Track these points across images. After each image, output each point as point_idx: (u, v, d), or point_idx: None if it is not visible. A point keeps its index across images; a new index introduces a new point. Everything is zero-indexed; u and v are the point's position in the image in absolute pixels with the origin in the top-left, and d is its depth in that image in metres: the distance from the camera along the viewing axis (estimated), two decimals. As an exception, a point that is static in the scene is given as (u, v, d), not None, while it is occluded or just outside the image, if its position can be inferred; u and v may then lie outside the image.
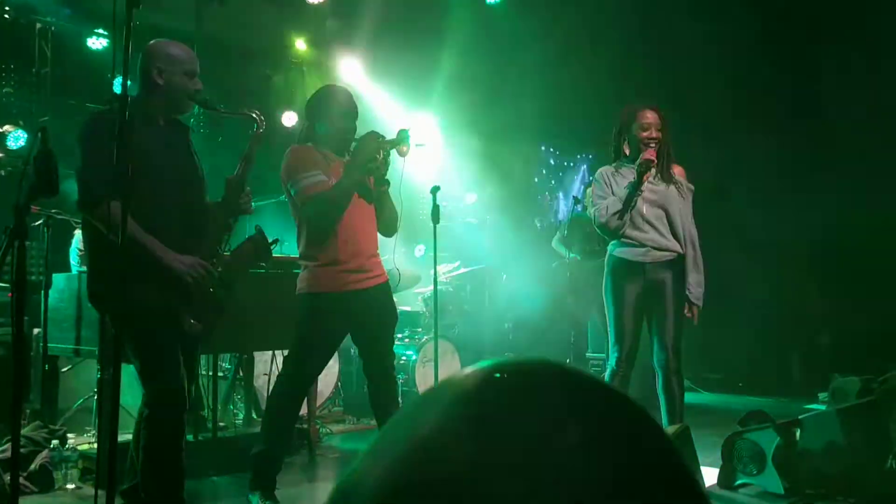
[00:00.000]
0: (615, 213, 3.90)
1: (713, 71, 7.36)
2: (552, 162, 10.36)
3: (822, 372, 6.60)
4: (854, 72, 6.66)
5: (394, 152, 3.60)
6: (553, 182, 10.30)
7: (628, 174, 3.97)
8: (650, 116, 3.96)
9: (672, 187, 4.01)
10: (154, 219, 2.83)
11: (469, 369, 0.50)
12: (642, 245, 3.97)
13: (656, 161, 3.88)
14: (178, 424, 2.94)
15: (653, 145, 3.90)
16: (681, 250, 3.99)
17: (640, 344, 4.12)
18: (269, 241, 3.21)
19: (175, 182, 2.99)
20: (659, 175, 3.99)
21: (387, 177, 3.58)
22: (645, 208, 3.96)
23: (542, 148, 10.23)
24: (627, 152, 4.03)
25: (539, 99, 8.51)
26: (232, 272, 3.04)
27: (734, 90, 7.21)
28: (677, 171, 4.05)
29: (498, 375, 0.48)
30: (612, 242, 4.13)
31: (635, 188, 3.89)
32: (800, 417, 3.72)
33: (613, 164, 4.10)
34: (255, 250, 3.16)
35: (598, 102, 8.26)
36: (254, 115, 3.17)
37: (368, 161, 3.47)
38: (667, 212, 3.98)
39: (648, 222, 3.97)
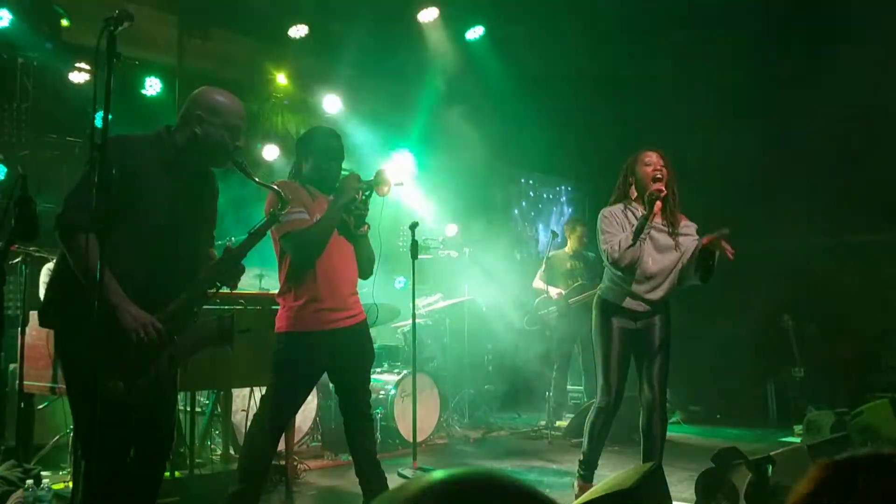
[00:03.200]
0: (629, 248, 3.95)
1: (687, 104, 7.51)
2: (531, 194, 10.46)
3: (798, 404, 6.69)
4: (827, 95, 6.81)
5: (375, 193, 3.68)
6: (533, 214, 10.39)
7: (635, 212, 4.08)
8: (652, 155, 4.10)
9: (673, 238, 4.09)
10: (133, 261, 2.65)
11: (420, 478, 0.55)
12: (637, 296, 4.07)
13: (665, 191, 3.97)
14: (113, 494, 2.62)
15: (659, 176, 4.00)
16: (668, 298, 4.11)
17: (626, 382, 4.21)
18: (239, 330, 2.89)
19: (171, 229, 2.79)
20: (665, 220, 4.07)
21: (367, 219, 3.65)
22: (649, 261, 4.02)
23: (522, 181, 10.33)
24: (634, 195, 4.14)
25: (519, 132, 8.63)
26: (187, 348, 2.76)
27: (704, 128, 7.35)
28: (681, 219, 4.13)
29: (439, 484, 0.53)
30: (604, 287, 4.22)
31: (647, 220, 3.95)
32: (771, 454, 3.77)
33: (620, 205, 4.16)
34: (220, 332, 2.83)
35: (577, 135, 8.40)
36: (283, 194, 3.02)
37: (349, 202, 3.54)
38: (666, 263, 4.07)
39: (649, 275, 4.05)
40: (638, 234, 3.94)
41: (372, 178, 3.68)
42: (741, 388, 7.45)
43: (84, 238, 2.36)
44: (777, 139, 7.27)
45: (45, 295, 2.76)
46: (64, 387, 3.87)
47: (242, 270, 2.95)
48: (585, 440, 4.25)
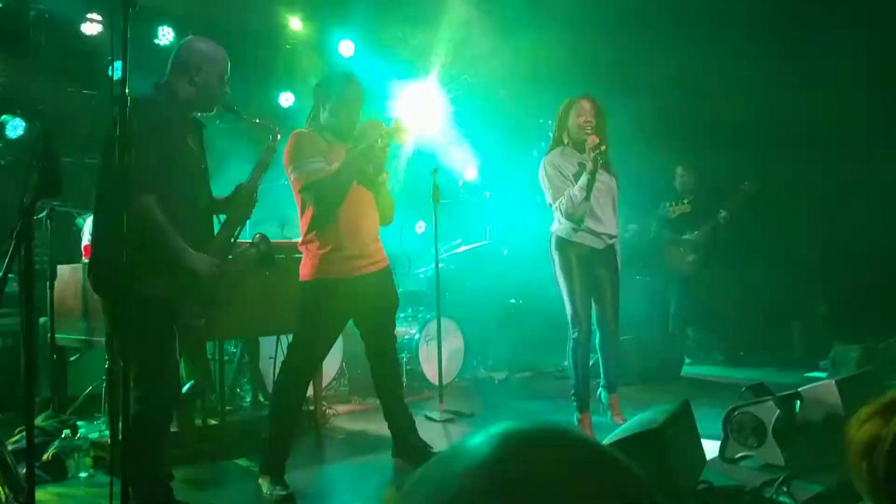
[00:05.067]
0: (581, 203, 4.28)
1: (715, 43, 7.31)
2: (551, 134, 10.32)
3: (823, 340, 6.65)
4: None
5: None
6: (552, 155, 10.27)
7: (572, 158, 4.41)
8: (585, 104, 4.39)
9: (610, 176, 4.50)
10: (177, 213, 2.89)
11: (484, 435, 0.54)
12: (598, 235, 4.44)
13: (605, 146, 4.23)
14: (165, 426, 3.05)
15: (589, 129, 4.29)
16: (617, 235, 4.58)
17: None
18: (273, 247, 3.31)
19: (194, 179, 3.07)
20: (602, 160, 4.36)
21: (385, 166, 3.63)
22: (598, 200, 4.39)
23: (541, 121, 10.18)
24: (566, 140, 4.47)
25: (538, 71, 8.47)
26: (236, 275, 3.13)
27: (728, 69, 7.17)
28: None
29: (513, 442, 0.52)
30: (559, 226, 4.48)
31: (593, 174, 4.25)
32: (799, 390, 3.77)
33: (558, 150, 4.49)
34: (259, 256, 3.24)
35: (599, 74, 8.22)
36: (272, 127, 3.28)
37: (367, 149, 3.51)
38: (611, 201, 4.49)
39: (601, 213, 4.43)
40: (589, 189, 4.26)
41: (391, 126, 3.63)
42: (765, 326, 7.41)
43: (146, 199, 2.63)
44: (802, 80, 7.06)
45: (99, 252, 2.99)
46: (99, 339, 3.97)
47: (255, 201, 3.26)
48: (572, 375, 4.54)
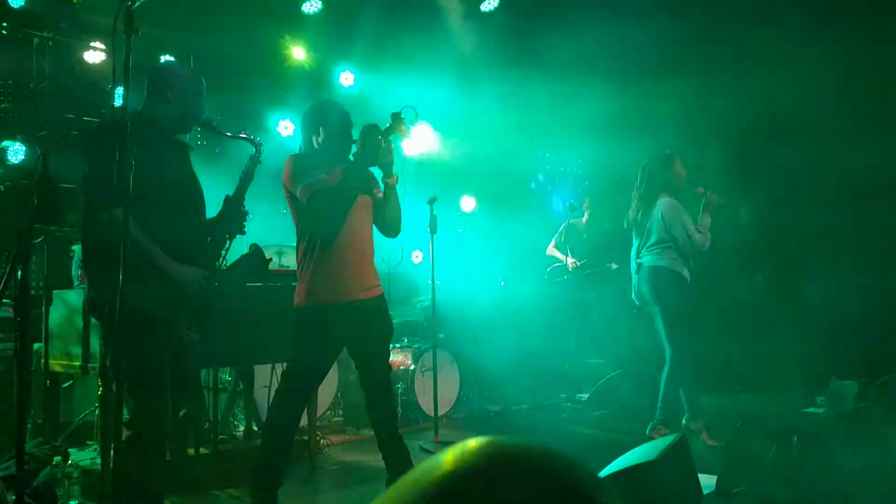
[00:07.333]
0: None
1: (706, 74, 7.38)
2: (548, 167, 10.38)
3: (819, 374, 6.61)
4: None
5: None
6: (550, 188, 10.32)
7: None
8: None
9: None
10: (157, 231, 2.85)
11: (449, 450, 0.54)
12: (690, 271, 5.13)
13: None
14: (157, 444, 2.96)
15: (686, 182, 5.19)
16: None
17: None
18: (266, 258, 3.29)
19: (179, 197, 3.04)
20: None
21: (394, 170, 3.63)
22: None
23: (538, 153, 10.25)
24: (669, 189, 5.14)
25: (534, 104, 8.54)
26: (227, 285, 3.11)
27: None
28: None
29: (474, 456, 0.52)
30: (678, 262, 5.02)
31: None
32: (796, 424, 3.75)
33: (670, 198, 5.08)
34: (251, 267, 3.26)
35: (592, 107, 8.29)
36: (252, 139, 3.27)
37: (372, 150, 3.50)
38: None
39: None
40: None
41: (389, 123, 3.63)
42: (762, 359, 7.38)
43: (113, 213, 2.50)
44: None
45: (92, 276, 2.94)
46: (95, 365, 3.94)
47: (246, 215, 3.25)
48: (686, 390, 5.04)
